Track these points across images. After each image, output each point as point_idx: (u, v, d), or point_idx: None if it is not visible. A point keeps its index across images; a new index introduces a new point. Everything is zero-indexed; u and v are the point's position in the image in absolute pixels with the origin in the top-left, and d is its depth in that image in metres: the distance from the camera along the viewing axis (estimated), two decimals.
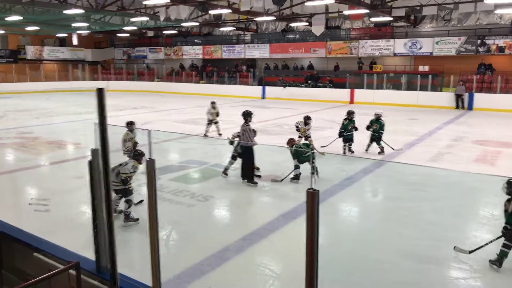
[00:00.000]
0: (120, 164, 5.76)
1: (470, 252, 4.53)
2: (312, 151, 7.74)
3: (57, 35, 31.89)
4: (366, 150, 9.96)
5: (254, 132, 7.69)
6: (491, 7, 17.57)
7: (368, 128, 9.86)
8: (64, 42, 33.72)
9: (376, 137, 9.80)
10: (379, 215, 6.32)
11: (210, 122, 11.77)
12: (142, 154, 5.87)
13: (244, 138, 7.45)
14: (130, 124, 7.90)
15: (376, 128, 9.77)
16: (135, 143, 7.73)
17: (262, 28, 29.51)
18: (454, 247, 4.70)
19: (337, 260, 4.60)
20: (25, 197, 6.84)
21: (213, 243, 5.03)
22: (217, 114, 11.81)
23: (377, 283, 4.21)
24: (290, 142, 8.20)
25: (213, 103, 11.93)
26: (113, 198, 5.73)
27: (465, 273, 4.34)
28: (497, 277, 4.34)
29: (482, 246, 4.53)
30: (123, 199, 5.69)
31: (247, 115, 7.73)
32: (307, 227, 2.17)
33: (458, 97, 19.81)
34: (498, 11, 18.98)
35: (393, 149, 9.96)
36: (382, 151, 9.73)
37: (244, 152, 7.51)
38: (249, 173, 7.42)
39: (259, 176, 7.64)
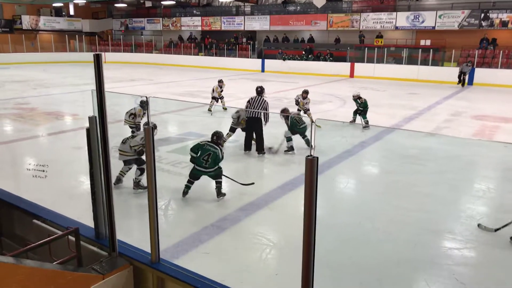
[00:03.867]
0: (133, 136, 5.82)
1: (496, 230, 4.43)
2: (305, 124, 7.76)
3: (53, 5, 31.22)
4: (351, 122, 10.00)
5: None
6: None
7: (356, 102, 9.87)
8: (60, 12, 33.06)
9: (360, 112, 9.74)
10: (376, 187, 6.37)
11: (216, 99, 11.65)
12: (154, 127, 5.90)
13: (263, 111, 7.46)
14: (144, 103, 7.93)
15: (359, 104, 9.70)
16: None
17: None
18: (478, 224, 4.60)
19: (333, 229, 4.66)
20: (23, 167, 6.86)
21: (211, 213, 5.09)
22: (221, 91, 11.69)
23: (372, 251, 4.29)
24: (285, 111, 8.22)
25: (220, 81, 11.80)
26: (122, 168, 5.77)
27: (459, 243, 4.41)
28: (489, 248, 4.41)
29: (508, 224, 4.37)
30: (135, 167, 5.75)
31: (263, 90, 7.76)
32: (305, 194, 2.18)
33: (463, 74, 19.23)
34: None
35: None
36: (367, 124, 9.64)
37: (256, 123, 7.43)
38: (262, 145, 7.46)
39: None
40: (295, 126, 7.57)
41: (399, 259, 4.16)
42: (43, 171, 3.80)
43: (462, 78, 19.17)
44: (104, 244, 3.20)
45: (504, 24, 19.97)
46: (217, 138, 5.55)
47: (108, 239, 3.15)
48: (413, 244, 4.46)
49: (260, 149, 7.46)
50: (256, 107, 7.48)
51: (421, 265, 4.09)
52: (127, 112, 7.94)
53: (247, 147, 7.58)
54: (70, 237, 3.09)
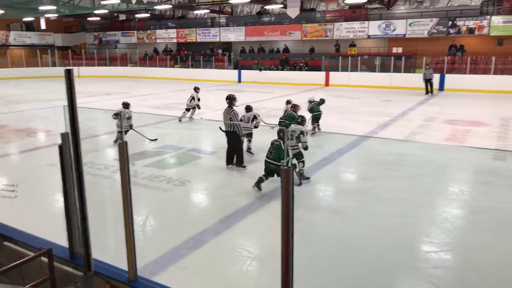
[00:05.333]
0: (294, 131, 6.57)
1: None
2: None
3: (24, 19, 30.60)
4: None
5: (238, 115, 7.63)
6: None
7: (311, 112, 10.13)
8: (31, 27, 32.43)
9: (314, 117, 10.08)
10: (354, 193, 6.43)
11: (191, 108, 11.82)
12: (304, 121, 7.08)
13: (232, 123, 7.28)
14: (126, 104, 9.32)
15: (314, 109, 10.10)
16: None
17: (237, 10, 29.14)
18: None
19: (313, 237, 4.68)
20: None
21: (190, 227, 5.03)
22: (199, 100, 11.93)
23: (352, 257, 4.32)
24: (295, 108, 8.76)
25: (196, 88, 12.03)
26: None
27: (435, 246, 4.49)
28: (465, 249, 4.52)
29: None
30: (296, 160, 6.52)
31: (233, 99, 7.62)
32: (282, 203, 2.18)
33: (428, 81, 18.82)
34: None
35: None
36: (313, 130, 9.97)
37: (233, 136, 7.31)
38: (240, 157, 7.35)
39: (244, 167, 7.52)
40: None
41: (379, 264, 4.20)
42: (13, 191, 3.68)
43: (429, 85, 18.80)
44: (79, 263, 3.11)
45: (470, 31, 20.71)
46: (283, 134, 6.35)
47: (83, 258, 3.07)
48: (391, 248, 4.51)
49: (240, 162, 7.38)
50: (226, 119, 7.39)
51: (401, 270, 4.14)
52: (125, 118, 8.82)
53: (229, 161, 7.43)
54: (43, 258, 2.99)
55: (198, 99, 11.90)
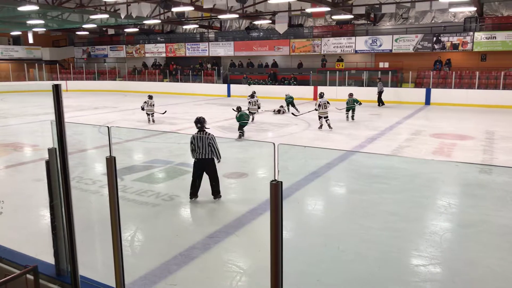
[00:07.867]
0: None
1: None
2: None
3: (12, 33, 30.44)
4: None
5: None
6: (445, 6, 18.34)
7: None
8: (18, 41, 32.25)
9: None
10: (343, 208, 6.46)
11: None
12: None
13: (210, 149, 6.23)
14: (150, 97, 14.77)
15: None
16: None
17: (226, 25, 29.41)
18: None
19: (302, 252, 4.66)
20: None
21: (180, 242, 4.98)
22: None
23: (341, 272, 4.31)
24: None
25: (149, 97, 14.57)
26: None
27: (424, 260, 4.51)
28: (454, 263, 4.54)
29: None
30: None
31: (204, 122, 6.48)
32: (271, 218, 2.18)
33: (381, 94, 19.85)
34: (452, 10, 19.81)
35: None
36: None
37: (209, 164, 6.31)
38: (217, 187, 6.44)
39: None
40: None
41: (367, 278, 4.20)
42: None
43: (380, 98, 19.81)
44: (65, 281, 3.05)
45: (454, 46, 21.19)
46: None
47: (69, 275, 3.01)
48: (381, 262, 4.52)
49: (217, 193, 6.41)
50: (204, 147, 6.19)
51: (390, 284, 4.14)
52: (151, 105, 14.22)
53: (194, 193, 6.37)
54: (28, 275, 2.93)
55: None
